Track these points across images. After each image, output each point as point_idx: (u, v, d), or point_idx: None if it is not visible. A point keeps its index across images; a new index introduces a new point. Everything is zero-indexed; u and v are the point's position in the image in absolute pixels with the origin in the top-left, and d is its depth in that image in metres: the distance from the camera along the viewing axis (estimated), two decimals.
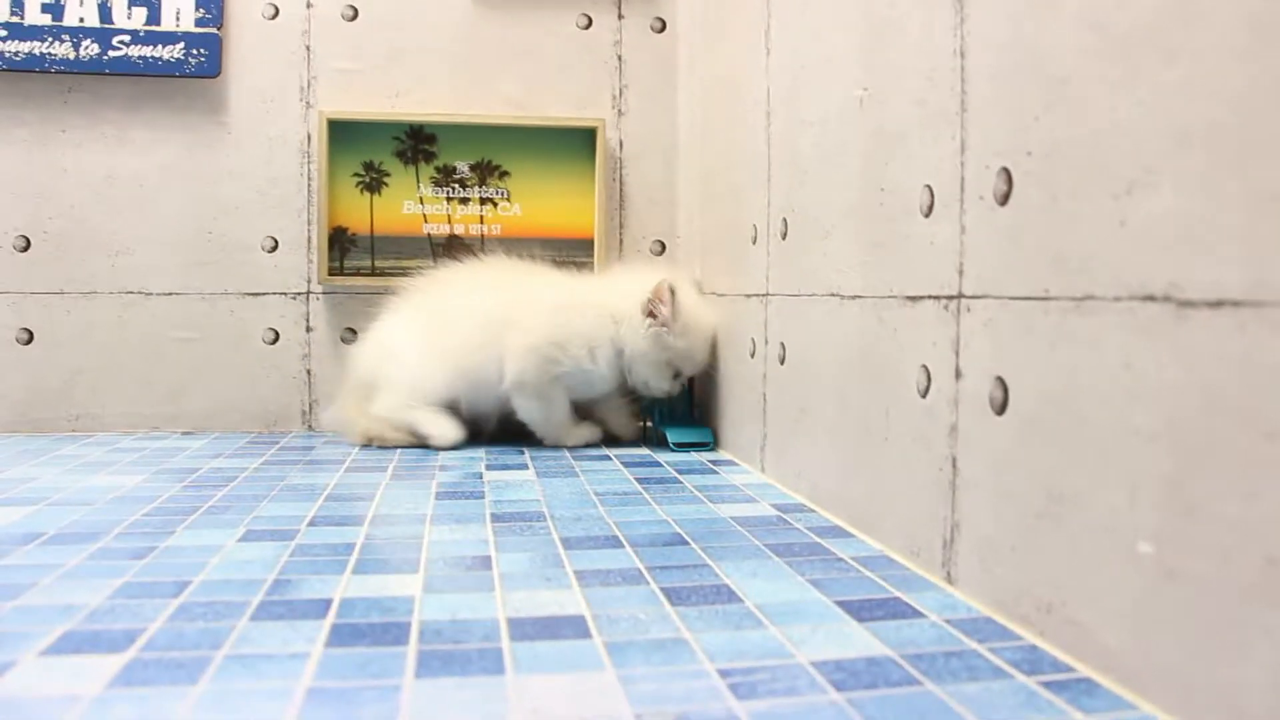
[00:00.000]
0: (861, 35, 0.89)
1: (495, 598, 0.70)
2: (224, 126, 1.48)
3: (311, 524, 0.92)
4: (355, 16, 1.50)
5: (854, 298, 0.91)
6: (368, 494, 1.05)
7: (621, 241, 1.57)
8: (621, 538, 0.87)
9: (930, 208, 0.77)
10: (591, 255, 1.54)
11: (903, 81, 0.81)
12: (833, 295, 0.96)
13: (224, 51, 1.46)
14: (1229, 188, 0.48)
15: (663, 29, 1.56)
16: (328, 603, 0.69)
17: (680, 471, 1.20)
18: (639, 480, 1.14)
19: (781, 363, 1.11)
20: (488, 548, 0.84)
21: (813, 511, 0.99)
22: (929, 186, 0.77)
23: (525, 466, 1.23)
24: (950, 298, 0.74)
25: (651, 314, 1.31)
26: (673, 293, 1.29)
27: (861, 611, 0.68)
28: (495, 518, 0.95)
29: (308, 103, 1.49)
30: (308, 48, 1.49)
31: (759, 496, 1.06)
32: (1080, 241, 0.59)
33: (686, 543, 0.86)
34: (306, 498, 1.03)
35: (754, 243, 1.21)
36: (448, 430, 1.33)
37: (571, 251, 1.54)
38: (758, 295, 1.19)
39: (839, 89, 0.94)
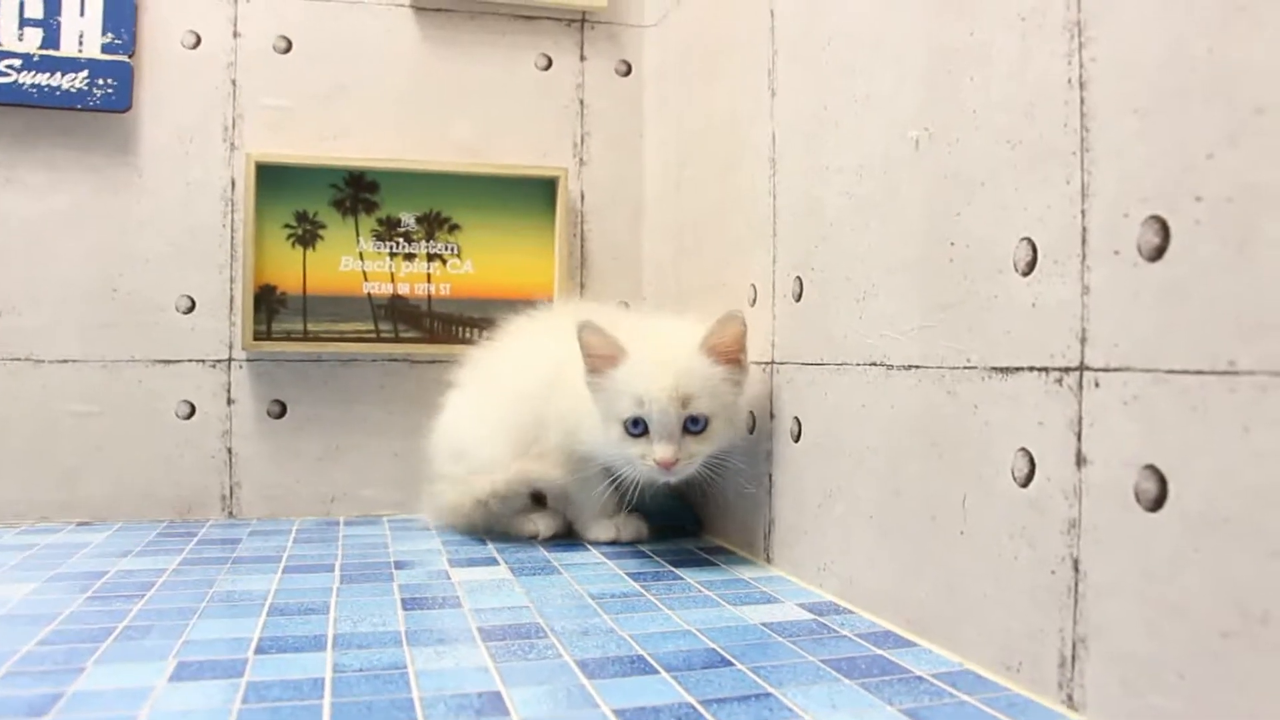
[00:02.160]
0: (920, 68, 0.78)
1: None
2: (134, 169, 1.28)
3: (260, 650, 0.74)
4: (289, 49, 1.33)
5: (908, 368, 0.79)
6: (319, 603, 0.87)
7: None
8: (649, 658, 0.72)
9: (1031, 264, 0.65)
10: None
11: (984, 119, 0.70)
12: (874, 364, 0.84)
13: (136, 83, 1.27)
14: None
15: (628, 72, 1.44)
16: None
17: (674, 564, 1.05)
18: (632, 576, 0.99)
19: (795, 440, 0.98)
20: (492, 679, 0.67)
21: (851, 613, 0.85)
22: (1029, 240, 0.65)
23: (495, 561, 1.06)
24: (1065, 370, 0.62)
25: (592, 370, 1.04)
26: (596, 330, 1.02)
27: None
28: (485, 634, 0.78)
29: (232, 144, 1.31)
30: (234, 81, 1.31)
31: (778, 595, 0.92)
32: None
33: (729, 662, 0.71)
34: (245, 611, 0.85)
35: (752, 304, 1.08)
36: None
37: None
38: (759, 363, 1.06)
39: (882, 130, 0.83)
